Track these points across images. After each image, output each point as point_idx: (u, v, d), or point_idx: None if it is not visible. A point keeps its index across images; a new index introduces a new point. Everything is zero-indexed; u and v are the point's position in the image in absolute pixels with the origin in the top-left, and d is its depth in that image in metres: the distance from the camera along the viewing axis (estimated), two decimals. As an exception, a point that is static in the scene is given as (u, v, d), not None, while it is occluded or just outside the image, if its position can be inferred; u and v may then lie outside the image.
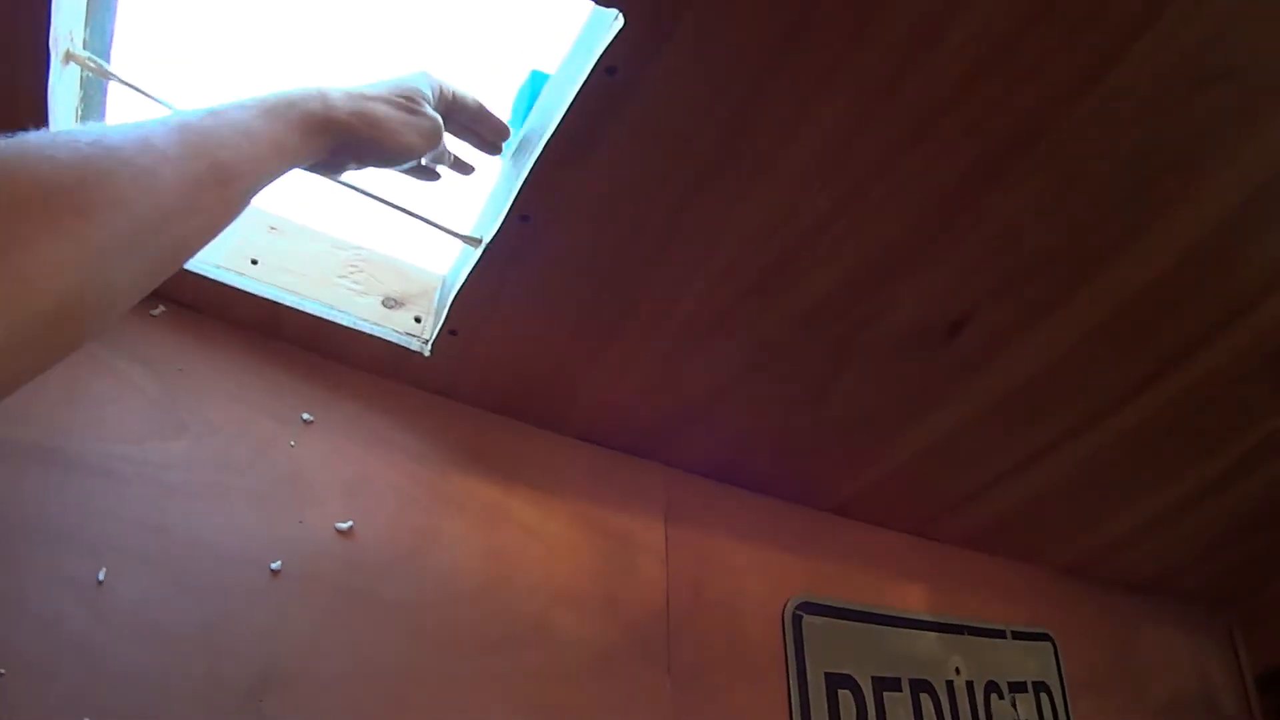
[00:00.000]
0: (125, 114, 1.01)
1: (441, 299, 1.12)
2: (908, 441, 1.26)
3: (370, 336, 1.09)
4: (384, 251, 1.16)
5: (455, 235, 1.02)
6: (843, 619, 1.26)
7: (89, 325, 0.58)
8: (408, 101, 0.88)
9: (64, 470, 0.93)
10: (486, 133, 1.00)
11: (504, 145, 1.01)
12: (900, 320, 1.10)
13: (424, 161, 0.99)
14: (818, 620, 1.23)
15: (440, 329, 1.08)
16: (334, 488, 1.05)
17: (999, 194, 0.97)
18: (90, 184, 0.57)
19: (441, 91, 0.94)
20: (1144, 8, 0.82)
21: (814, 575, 1.29)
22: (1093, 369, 1.21)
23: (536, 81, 1.10)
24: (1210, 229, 1.05)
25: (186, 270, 1.03)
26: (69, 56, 0.89)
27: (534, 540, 1.13)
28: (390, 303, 1.12)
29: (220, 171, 0.66)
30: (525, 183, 0.93)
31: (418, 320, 1.12)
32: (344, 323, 1.08)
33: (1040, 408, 1.27)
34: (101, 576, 0.89)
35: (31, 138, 0.56)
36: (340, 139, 0.81)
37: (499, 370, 1.14)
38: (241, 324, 1.09)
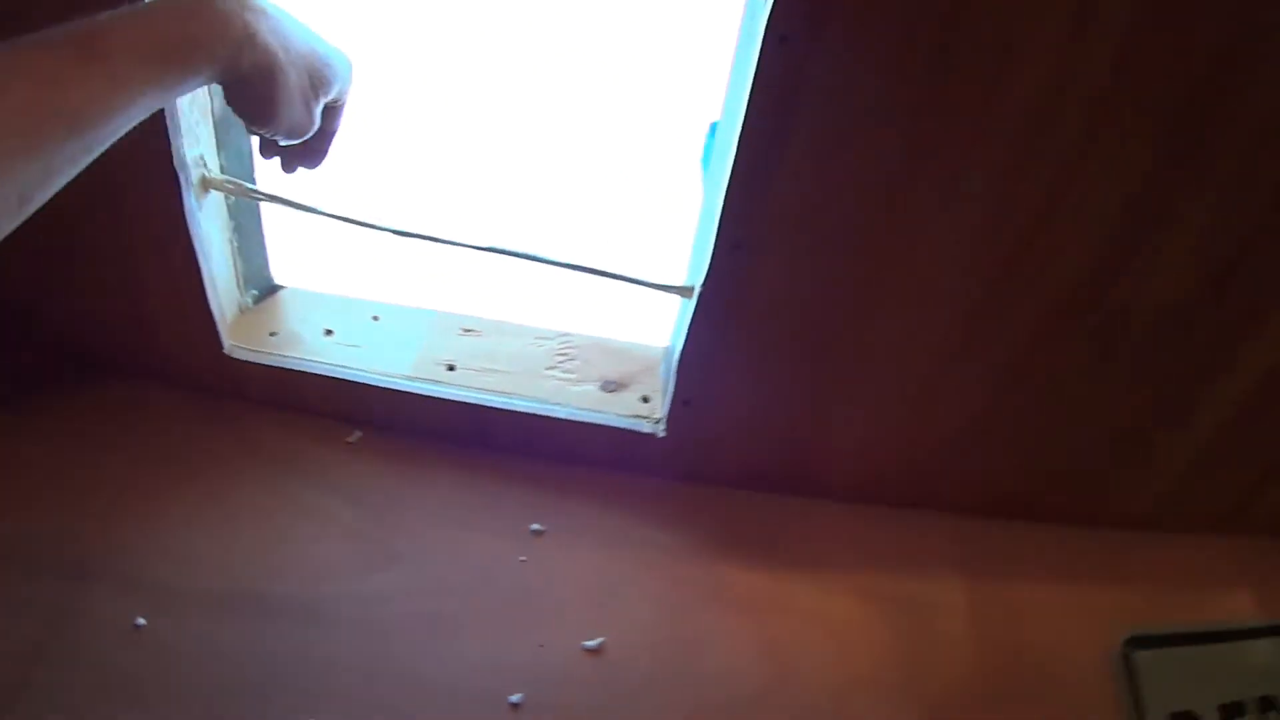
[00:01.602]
0: (286, 223, 0.99)
1: (667, 370, 0.96)
2: (1196, 429, 0.93)
3: (594, 426, 0.94)
4: (593, 333, 1.02)
5: (663, 288, 0.87)
6: (1175, 646, 0.92)
7: None
8: (313, 89, 0.70)
9: (265, 617, 0.84)
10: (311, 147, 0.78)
11: None
12: (1156, 292, 0.82)
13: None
14: (1149, 654, 0.90)
15: (672, 402, 0.91)
16: (577, 601, 0.88)
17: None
18: None
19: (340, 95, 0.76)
20: None
21: (1132, 604, 0.95)
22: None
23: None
24: None
25: (376, 387, 0.95)
26: (206, 183, 0.86)
27: (815, 626, 0.90)
28: (610, 386, 0.97)
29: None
30: (726, 203, 0.76)
31: (645, 400, 0.96)
32: (561, 415, 0.94)
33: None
34: (308, 728, 0.77)
35: None
36: (226, 80, 0.64)
37: (741, 439, 0.96)
38: (446, 435, 0.98)
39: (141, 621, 0.81)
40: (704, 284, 0.82)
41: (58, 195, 0.53)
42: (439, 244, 0.88)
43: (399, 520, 0.92)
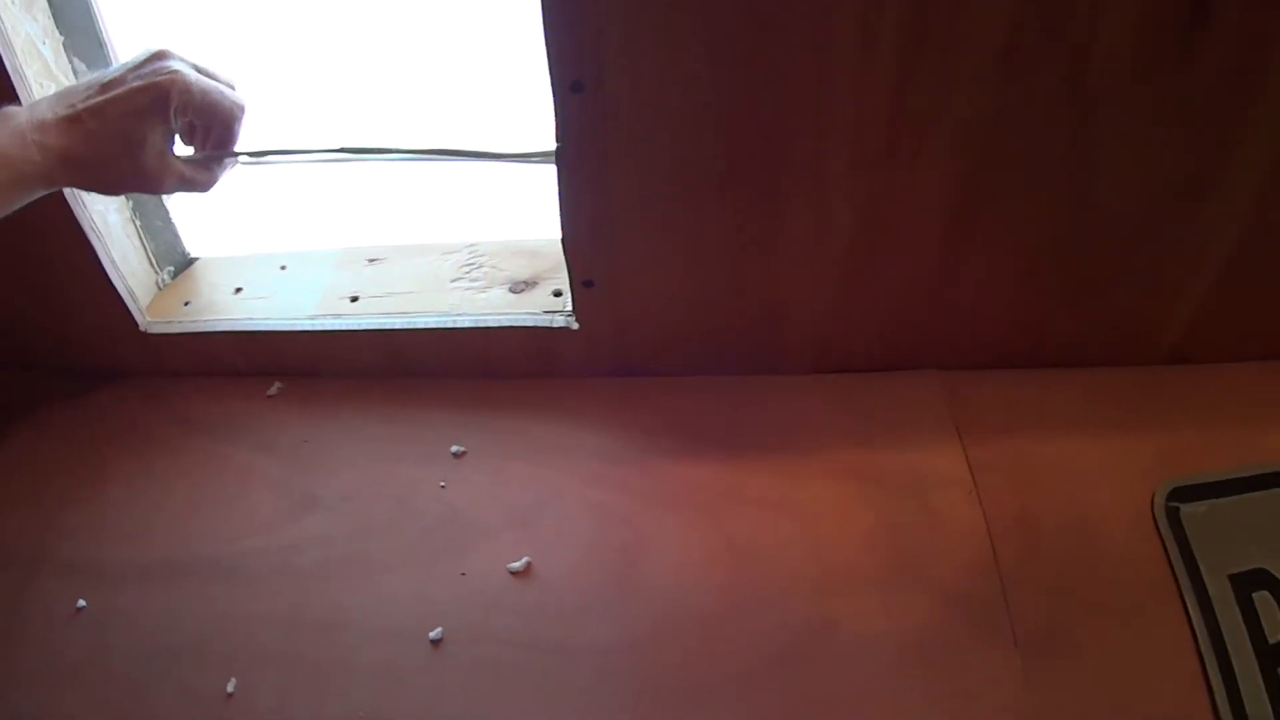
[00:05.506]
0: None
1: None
2: (1214, 223, 0.73)
3: (506, 331, 0.87)
4: (505, 238, 0.95)
5: (526, 158, 0.77)
6: (1228, 495, 0.74)
7: None
8: (138, 132, 0.71)
9: (187, 581, 0.83)
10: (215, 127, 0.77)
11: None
12: (1116, 28, 0.63)
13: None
14: (1199, 508, 0.72)
15: (572, 287, 0.83)
16: (500, 521, 0.82)
17: None
18: None
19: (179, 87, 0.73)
20: None
21: (1173, 451, 0.78)
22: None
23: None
24: None
25: (284, 333, 0.92)
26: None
27: (783, 518, 0.80)
28: (519, 287, 0.89)
29: None
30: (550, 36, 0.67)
31: (557, 294, 0.88)
32: (467, 324, 0.87)
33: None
34: (231, 688, 0.75)
35: None
36: (62, 185, 0.73)
37: (670, 317, 0.85)
38: (360, 370, 0.94)
39: (82, 603, 0.82)
40: (558, 138, 0.73)
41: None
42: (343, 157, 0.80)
43: (318, 465, 0.88)
